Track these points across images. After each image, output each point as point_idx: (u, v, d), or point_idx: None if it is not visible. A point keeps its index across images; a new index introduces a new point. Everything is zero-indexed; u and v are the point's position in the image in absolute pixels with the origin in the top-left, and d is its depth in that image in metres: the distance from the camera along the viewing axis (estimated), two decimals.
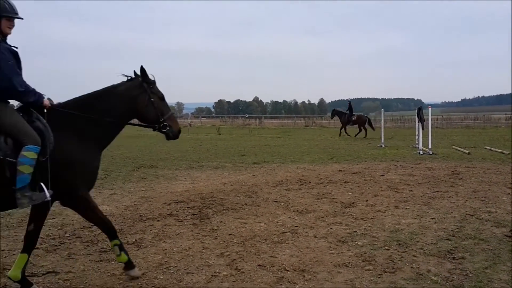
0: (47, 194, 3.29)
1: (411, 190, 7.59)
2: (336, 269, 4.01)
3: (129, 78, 3.88)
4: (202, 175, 9.63)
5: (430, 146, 13.94)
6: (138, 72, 3.88)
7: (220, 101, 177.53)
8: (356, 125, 25.49)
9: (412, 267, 4.04)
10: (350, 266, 4.07)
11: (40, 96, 3.45)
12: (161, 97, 3.93)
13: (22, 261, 3.59)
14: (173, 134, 3.94)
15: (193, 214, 6.07)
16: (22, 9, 3.53)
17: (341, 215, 5.94)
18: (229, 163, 11.85)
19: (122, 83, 3.85)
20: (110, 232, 3.76)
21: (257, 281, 3.76)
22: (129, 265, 3.80)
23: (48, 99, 3.56)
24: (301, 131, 25.24)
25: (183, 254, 4.45)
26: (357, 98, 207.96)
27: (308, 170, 10.29)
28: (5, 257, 4.28)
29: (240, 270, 4.00)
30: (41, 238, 4.86)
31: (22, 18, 3.50)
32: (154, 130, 3.93)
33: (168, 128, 3.89)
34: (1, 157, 3.15)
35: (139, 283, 3.69)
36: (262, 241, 4.85)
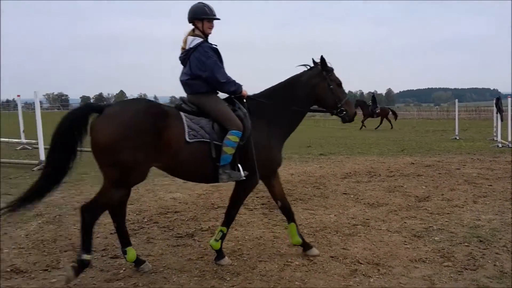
0: (242, 174, 3.73)
1: (491, 185, 7.16)
2: (413, 264, 3.89)
3: (309, 67, 4.08)
4: None
5: (510, 139, 13.05)
6: (312, 62, 4.11)
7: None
8: (379, 117, 24.79)
9: (495, 264, 3.83)
10: (427, 261, 3.93)
11: (239, 86, 3.86)
12: (339, 84, 4.14)
13: (293, 229, 4.16)
14: (348, 118, 4.15)
15: (263, 204, 6.14)
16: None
17: (415, 209, 5.75)
18: (296, 154, 11.83)
19: (304, 72, 4.06)
20: (231, 219, 4.05)
21: (330, 272, 3.74)
22: (219, 255, 3.95)
23: None
24: (367, 122, 24.58)
25: (254, 242, 4.53)
26: (427, 88, 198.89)
27: (377, 163, 10.03)
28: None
29: (312, 260, 4.01)
30: None
31: (219, 19, 3.94)
32: (332, 114, 4.22)
33: (344, 112, 4.10)
34: (209, 140, 3.64)
35: (214, 269, 3.81)
36: (333, 233, 4.81)
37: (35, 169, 8.96)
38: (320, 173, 8.66)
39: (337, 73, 4.13)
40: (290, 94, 3.99)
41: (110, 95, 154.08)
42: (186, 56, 3.85)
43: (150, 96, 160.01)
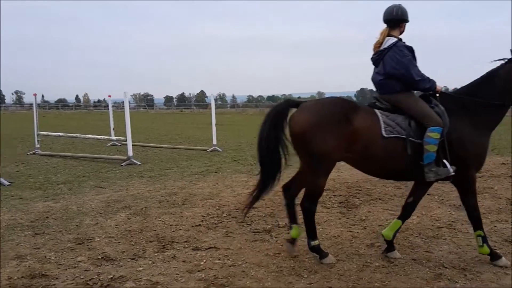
0: (451, 169, 3.69)
1: None
2: (503, 271, 3.62)
3: (507, 60, 3.94)
4: (347, 164, 9.50)
5: None
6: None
7: (362, 89, 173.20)
8: None
9: None
10: None
11: (433, 83, 3.88)
12: None
13: (396, 225, 4.10)
14: None
15: (340, 203, 6.05)
16: None
17: (506, 213, 5.34)
18: None
19: (501, 66, 3.96)
20: (477, 221, 3.89)
21: (412, 275, 3.59)
22: (494, 257, 3.81)
23: None
24: None
25: (332, 241, 4.48)
26: None
27: None
28: (173, 231, 4.78)
29: (393, 262, 3.88)
30: (202, 216, 5.35)
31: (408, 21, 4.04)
32: None
33: None
34: (405, 136, 3.72)
35: (292, 265, 3.82)
36: (416, 235, 4.61)
37: (123, 164, 9.57)
38: None
39: None
40: (490, 88, 3.85)
41: (191, 95, 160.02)
42: (380, 57, 3.96)
43: (228, 95, 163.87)
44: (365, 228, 4.88)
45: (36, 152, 11.60)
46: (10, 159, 10.42)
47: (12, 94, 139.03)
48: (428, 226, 4.89)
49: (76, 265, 3.79)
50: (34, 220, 5.18)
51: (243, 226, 4.99)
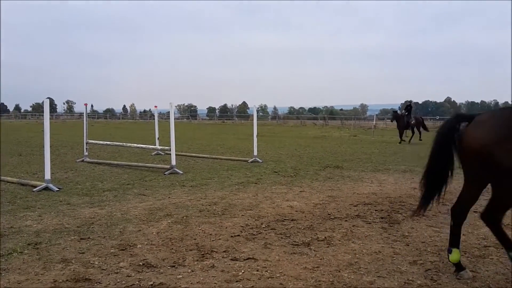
0: None
1: None
2: None
3: None
4: (390, 178, 9.32)
5: None
6: None
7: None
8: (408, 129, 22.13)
9: None
10: None
11: None
12: None
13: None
14: None
15: (382, 218, 5.91)
16: None
17: None
18: (419, 167, 11.16)
19: None
20: None
21: None
22: None
23: None
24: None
25: (373, 256, 4.38)
26: None
27: None
28: (212, 240, 4.83)
29: (436, 281, 3.74)
30: (241, 226, 5.38)
31: None
32: None
33: None
34: None
35: (330, 280, 3.76)
36: (461, 254, 4.42)
37: (166, 173, 9.79)
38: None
39: None
40: None
41: (233, 106, 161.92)
42: None
43: (270, 107, 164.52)
44: (408, 245, 4.74)
45: (85, 160, 12.07)
46: (59, 166, 10.89)
47: (64, 103, 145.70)
48: (473, 245, 4.69)
49: (118, 270, 3.90)
50: (80, 225, 5.38)
51: (282, 238, 4.97)
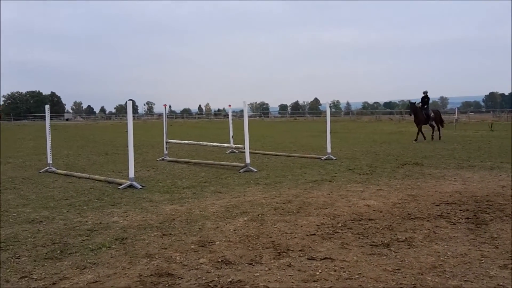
0: None
1: None
2: None
3: None
4: (475, 176, 8.74)
5: None
6: None
7: (492, 93, 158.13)
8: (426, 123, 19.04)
9: None
10: None
11: None
12: None
13: None
14: None
15: (467, 218, 5.56)
16: None
17: None
18: (507, 164, 10.38)
19: None
20: None
21: None
22: None
23: None
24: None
25: (458, 259, 4.13)
26: None
27: None
28: (288, 239, 4.83)
29: None
30: (317, 225, 5.32)
31: None
32: None
33: None
34: None
35: (413, 283, 3.60)
36: None
37: (241, 171, 9.96)
38: None
39: None
40: None
41: (305, 103, 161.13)
42: None
43: (342, 102, 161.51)
44: (497, 247, 4.41)
45: (165, 159, 12.63)
46: (142, 165, 11.49)
47: (144, 104, 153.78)
48: None
49: (199, 266, 4.02)
50: (162, 221, 5.63)
51: (359, 238, 4.85)
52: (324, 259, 4.20)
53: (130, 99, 9.17)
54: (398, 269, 3.90)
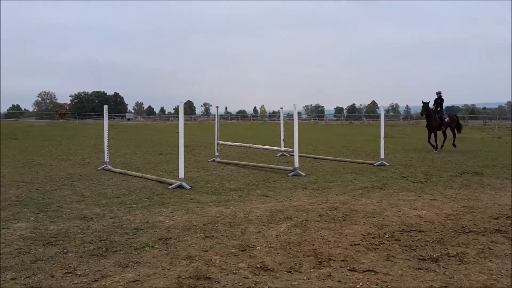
0: None
1: None
2: None
3: None
4: None
5: None
6: None
7: None
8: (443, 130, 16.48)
9: None
10: None
11: None
12: None
13: None
14: None
15: None
16: None
17: None
18: None
19: None
20: None
21: None
22: None
23: None
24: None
25: None
26: None
27: None
28: (331, 247, 4.69)
29: None
30: (363, 235, 5.14)
31: None
32: None
33: None
34: None
35: None
36: None
37: (289, 174, 9.88)
38: None
39: None
40: None
41: (362, 106, 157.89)
42: None
43: (401, 106, 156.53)
44: None
45: (216, 160, 12.79)
46: (193, 165, 11.71)
47: (201, 106, 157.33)
48: None
49: (237, 271, 4.00)
50: (206, 223, 5.67)
51: (406, 250, 4.62)
52: (366, 271, 4.04)
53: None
54: (445, 286, 3.67)
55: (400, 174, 10.14)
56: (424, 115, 16.49)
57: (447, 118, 16.69)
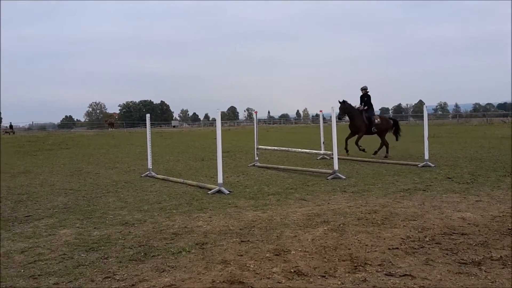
0: None
1: None
2: None
3: None
4: None
5: None
6: None
7: None
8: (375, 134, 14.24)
9: None
10: None
11: None
12: None
13: None
14: None
15: None
16: None
17: None
18: None
19: None
20: None
21: None
22: None
23: None
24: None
25: None
26: None
27: None
28: (368, 252, 4.61)
29: None
30: (402, 238, 5.01)
31: None
32: None
33: None
34: None
35: None
36: None
37: (329, 177, 9.77)
38: None
39: None
40: None
41: (408, 105, 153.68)
42: None
43: (450, 104, 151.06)
44: None
45: (255, 164, 12.86)
46: (233, 170, 11.83)
47: (244, 111, 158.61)
48: None
49: (271, 276, 4.00)
50: (243, 228, 5.72)
51: (447, 254, 4.46)
52: (403, 275, 3.93)
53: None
54: None
55: (445, 175, 9.80)
56: (347, 116, 14.32)
57: (378, 120, 14.48)
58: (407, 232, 5.29)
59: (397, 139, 15.23)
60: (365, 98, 14.50)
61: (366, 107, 14.40)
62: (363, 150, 13.98)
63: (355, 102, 14.82)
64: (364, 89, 14.49)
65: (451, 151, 15.67)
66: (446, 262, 4.23)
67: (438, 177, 9.47)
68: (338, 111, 13.97)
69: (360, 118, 14.13)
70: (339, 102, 14.12)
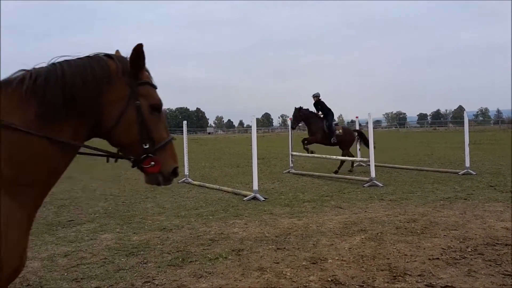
0: None
1: None
2: None
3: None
4: None
5: None
6: None
7: None
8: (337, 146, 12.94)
9: None
10: None
11: None
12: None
13: None
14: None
15: None
16: None
17: None
18: None
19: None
20: None
21: None
22: None
23: None
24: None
25: None
26: None
27: None
28: (407, 262, 4.51)
29: None
30: (442, 249, 4.88)
31: None
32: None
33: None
34: None
35: None
36: None
37: (365, 185, 9.63)
38: None
39: None
40: None
41: (447, 111, 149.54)
42: None
43: (492, 110, 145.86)
44: None
45: (290, 171, 12.83)
46: (268, 177, 11.84)
47: (279, 117, 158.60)
48: None
49: (307, 284, 3.98)
50: (279, 235, 5.71)
51: (490, 265, 4.31)
52: (445, 287, 3.83)
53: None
54: None
55: (487, 183, 9.46)
56: (304, 123, 13.50)
57: (340, 131, 13.22)
58: (448, 242, 5.14)
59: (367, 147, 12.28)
60: (319, 105, 13.46)
61: (322, 115, 13.32)
62: (307, 149, 12.99)
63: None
64: (316, 96, 13.48)
65: (493, 158, 15.12)
66: (489, 274, 4.09)
67: (480, 185, 9.16)
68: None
69: (318, 125, 13.15)
70: (295, 108, 13.41)
